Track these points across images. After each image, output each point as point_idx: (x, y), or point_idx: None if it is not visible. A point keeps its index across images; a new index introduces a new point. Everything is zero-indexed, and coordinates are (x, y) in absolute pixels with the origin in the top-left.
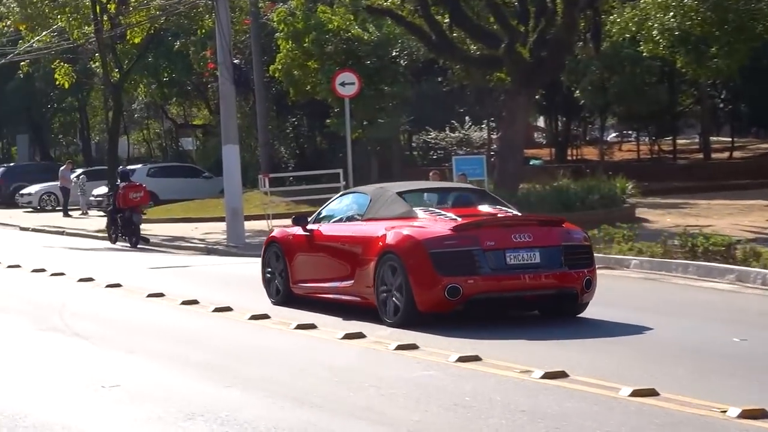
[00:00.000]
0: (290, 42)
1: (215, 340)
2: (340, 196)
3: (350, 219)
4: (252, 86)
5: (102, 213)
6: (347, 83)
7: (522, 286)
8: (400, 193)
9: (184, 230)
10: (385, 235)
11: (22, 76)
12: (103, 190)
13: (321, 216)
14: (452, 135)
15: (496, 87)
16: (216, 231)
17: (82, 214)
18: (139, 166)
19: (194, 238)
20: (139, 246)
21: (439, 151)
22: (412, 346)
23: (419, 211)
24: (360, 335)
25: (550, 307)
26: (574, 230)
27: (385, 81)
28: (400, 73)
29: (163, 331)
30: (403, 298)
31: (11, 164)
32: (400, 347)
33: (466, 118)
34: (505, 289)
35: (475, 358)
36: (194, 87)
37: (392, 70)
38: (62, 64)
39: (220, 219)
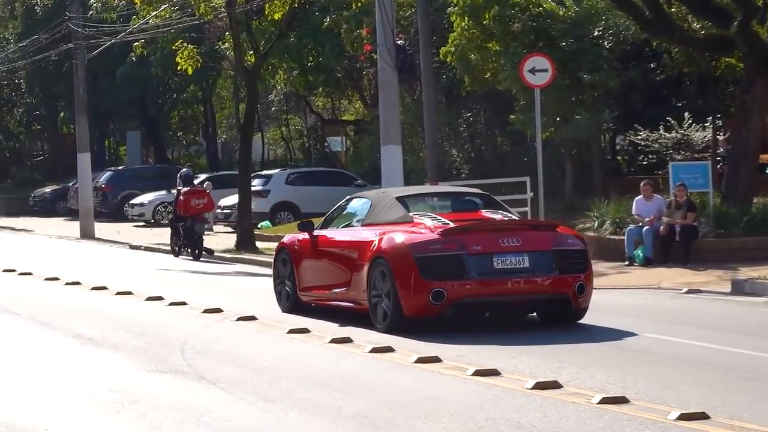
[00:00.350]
0: (466, 19)
1: (373, 386)
2: (347, 201)
3: (353, 224)
4: (418, 73)
5: (231, 228)
6: (538, 70)
7: (510, 291)
8: (399, 198)
9: None
10: (376, 240)
11: (134, 59)
12: (232, 200)
13: (327, 221)
14: (667, 135)
15: (725, 76)
16: None
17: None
18: (276, 171)
19: None
20: (202, 259)
21: (650, 156)
22: (621, 399)
23: (416, 216)
24: (555, 385)
25: (545, 313)
26: (567, 235)
27: (584, 67)
28: (603, 58)
29: (308, 374)
30: (391, 302)
31: (119, 168)
32: (604, 401)
33: (686, 114)
34: (491, 294)
35: (702, 416)
36: (346, 74)
37: (593, 55)
38: (185, 45)
39: None
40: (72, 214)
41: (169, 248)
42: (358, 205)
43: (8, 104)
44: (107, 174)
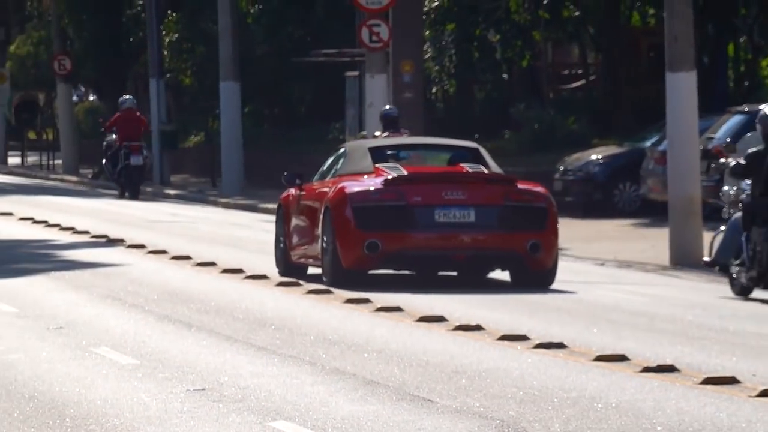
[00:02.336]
0: None
1: None
2: (336, 151)
3: (330, 176)
4: None
5: None
6: None
7: (450, 246)
8: (371, 149)
9: None
10: (330, 191)
11: None
12: None
13: (321, 174)
14: None
15: None
16: None
17: None
18: None
19: None
20: None
21: None
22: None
23: (379, 167)
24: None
25: (509, 273)
26: (525, 190)
27: None
28: None
29: None
30: (331, 254)
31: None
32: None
33: None
34: (429, 247)
35: None
36: None
37: None
38: None
39: None
40: (650, 211)
41: None
42: (340, 155)
43: None
44: (734, 121)
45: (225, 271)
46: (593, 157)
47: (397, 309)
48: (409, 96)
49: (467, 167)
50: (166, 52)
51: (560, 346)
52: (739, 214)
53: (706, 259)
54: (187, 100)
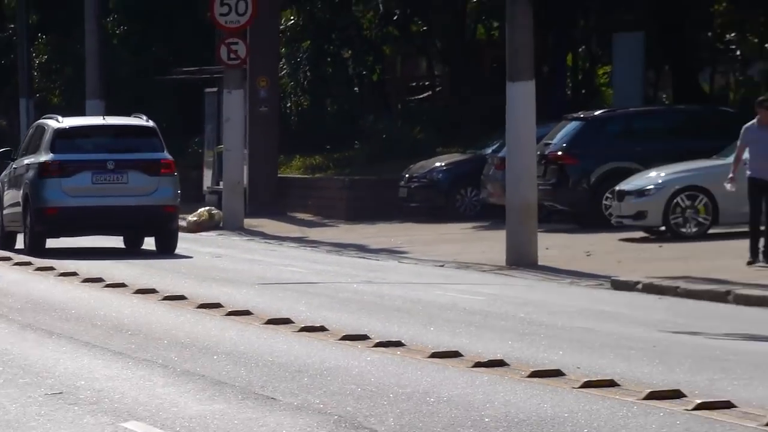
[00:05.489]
0: None
1: None
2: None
3: None
4: None
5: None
6: None
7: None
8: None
9: None
10: None
11: None
12: None
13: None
14: None
15: None
16: None
17: None
18: None
19: None
20: None
21: None
22: None
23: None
24: None
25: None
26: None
27: None
28: None
29: None
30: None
31: (596, 113)
32: None
33: None
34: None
35: None
36: None
37: None
38: None
39: None
40: (490, 214)
41: None
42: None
43: None
44: (570, 127)
45: (86, 280)
46: (437, 164)
47: (247, 313)
48: (264, 110)
49: None
50: (35, 73)
51: (398, 344)
52: None
53: None
54: None
